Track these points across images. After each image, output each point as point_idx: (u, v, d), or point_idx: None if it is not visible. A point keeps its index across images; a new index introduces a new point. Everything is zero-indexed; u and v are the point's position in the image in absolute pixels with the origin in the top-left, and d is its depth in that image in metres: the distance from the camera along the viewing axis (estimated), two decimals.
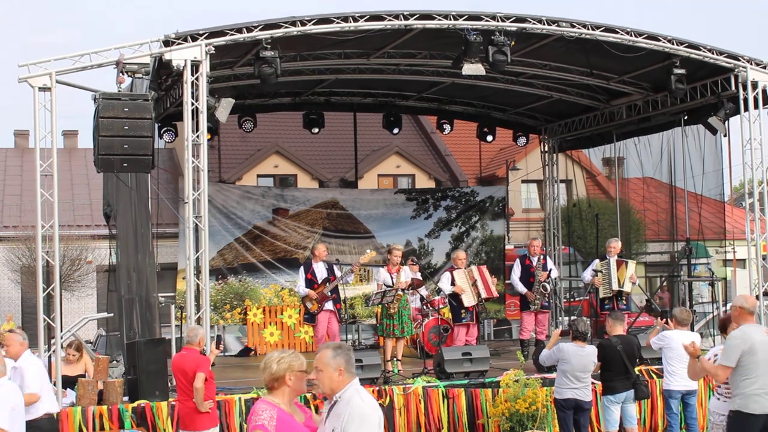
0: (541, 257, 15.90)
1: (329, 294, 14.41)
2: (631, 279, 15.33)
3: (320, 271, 14.55)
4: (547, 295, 15.80)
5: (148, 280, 13.97)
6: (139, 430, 11.33)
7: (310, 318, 14.51)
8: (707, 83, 15.75)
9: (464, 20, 13.53)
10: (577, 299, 21.38)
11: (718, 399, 8.66)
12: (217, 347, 11.62)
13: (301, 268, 14.81)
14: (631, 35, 14.32)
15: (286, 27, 12.97)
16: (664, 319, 12.94)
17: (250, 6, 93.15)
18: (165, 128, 16.99)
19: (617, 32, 14.28)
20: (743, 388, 7.98)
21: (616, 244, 15.59)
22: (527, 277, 15.73)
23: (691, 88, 15.84)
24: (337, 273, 14.69)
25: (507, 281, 18.55)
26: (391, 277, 14.29)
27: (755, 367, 7.94)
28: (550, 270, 16.00)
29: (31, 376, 9.45)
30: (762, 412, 7.92)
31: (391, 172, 29.53)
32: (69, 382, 11.97)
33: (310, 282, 14.41)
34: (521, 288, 15.74)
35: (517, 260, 16.26)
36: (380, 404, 12.16)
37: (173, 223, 21.02)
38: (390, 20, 13.34)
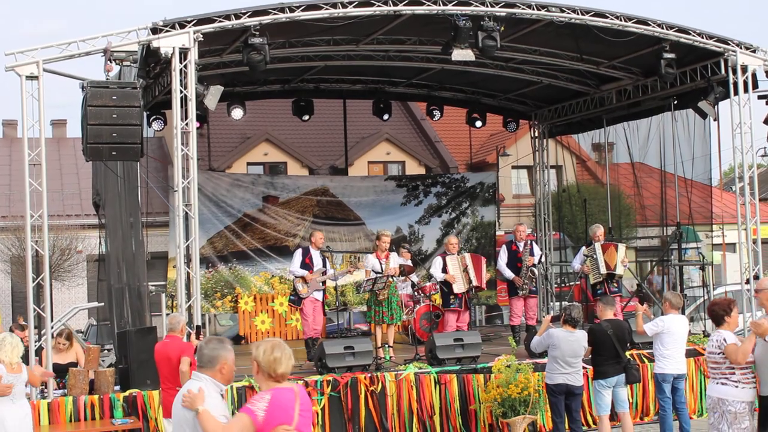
0: (528, 242, 15.91)
1: (321, 284, 14.49)
2: (622, 262, 15.37)
3: (317, 259, 14.59)
4: (534, 279, 15.81)
5: (138, 269, 13.94)
6: (131, 419, 11.32)
7: (297, 300, 14.52)
8: (697, 68, 15.74)
9: (453, 5, 13.49)
10: (567, 284, 21.41)
11: (736, 387, 8.53)
12: (197, 337, 11.60)
13: (299, 250, 14.87)
14: (620, 20, 14.31)
15: (275, 13, 12.92)
16: (645, 305, 13.08)
17: None
18: (154, 116, 16.92)
19: (607, 17, 14.26)
20: None
21: (597, 230, 15.62)
22: (514, 262, 15.74)
23: (681, 73, 15.83)
24: (329, 270, 14.76)
25: (496, 267, 18.58)
26: (380, 263, 14.30)
27: None
28: (541, 256, 16.01)
29: None
30: None
31: (381, 159, 29.50)
32: (60, 371, 11.95)
33: (307, 266, 14.46)
34: (508, 274, 15.75)
35: (504, 246, 16.28)
36: (372, 391, 12.28)
37: (163, 211, 20.97)
38: (379, 6, 13.29)
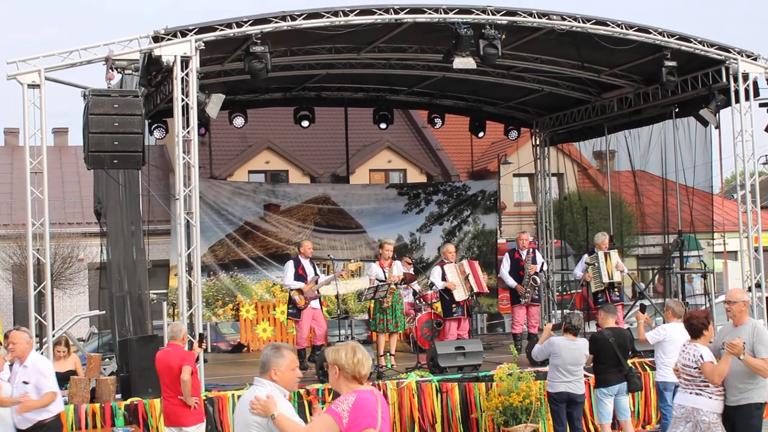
0: (531, 250, 15.87)
1: (316, 292, 14.42)
2: (617, 268, 15.35)
3: (309, 268, 14.51)
4: (537, 288, 15.78)
5: (139, 277, 13.92)
6: (132, 428, 11.29)
7: (296, 313, 14.41)
8: (698, 75, 15.74)
9: (455, 14, 13.51)
10: (569, 292, 21.40)
11: (710, 398, 8.57)
12: (200, 345, 11.60)
13: (291, 262, 14.70)
14: (621, 28, 14.32)
15: (276, 22, 12.94)
16: (646, 314, 13.09)
17: (242, 3, 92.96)
18: (155, 125, 16.96)
19: (608, 25, 14.27)
20: None
21: (603, 238, 15.59)
22: (517, 270, 15.69)
23: (682, 81, 15.83)
24: (321, 276, 14.68)
25: (499, 275, 18.57)
26: (384, 272, 14.26)
27: None
28: (543, 264, 15.98)
29: (51, 375, 9.36)
30: None
31: (383, 167, 29.50)
32: (60, 379, 11.90)
33: (300, 277, 14.37)
34: (511, 282, 15.72)
35: (506, 254, 16.25)
36: None
37: (165, 219, 20.95)
38: (380, 14, 13.31)
